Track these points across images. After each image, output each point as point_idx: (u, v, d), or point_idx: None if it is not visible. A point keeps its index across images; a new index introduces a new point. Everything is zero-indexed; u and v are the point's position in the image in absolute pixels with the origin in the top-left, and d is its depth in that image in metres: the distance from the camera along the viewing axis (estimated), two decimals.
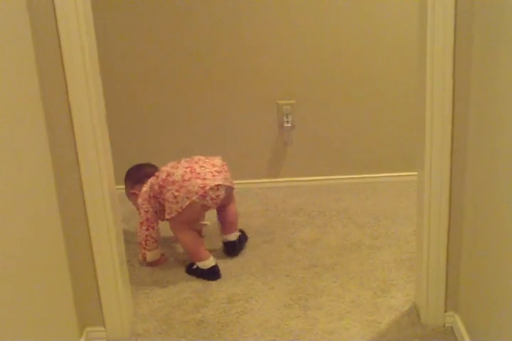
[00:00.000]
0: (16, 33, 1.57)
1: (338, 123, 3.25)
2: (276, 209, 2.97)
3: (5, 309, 1.37)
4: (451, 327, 1.94)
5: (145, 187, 2.45)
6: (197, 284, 2.31)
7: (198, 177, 2.28)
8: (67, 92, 1.72)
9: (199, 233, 2.51)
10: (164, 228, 2.46)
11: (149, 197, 2.40)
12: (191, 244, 2.36)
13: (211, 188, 2.28)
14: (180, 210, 2.28)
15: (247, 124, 3.26)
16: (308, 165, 3.29)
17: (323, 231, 2.70)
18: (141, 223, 2.43)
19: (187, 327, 2.03)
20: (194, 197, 2.26)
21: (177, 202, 2.27)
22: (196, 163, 2.36)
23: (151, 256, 2.44)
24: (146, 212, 2.42)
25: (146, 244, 2.42)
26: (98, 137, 1.77)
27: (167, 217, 2.33)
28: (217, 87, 3.20)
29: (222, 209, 2.51)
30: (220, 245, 2.56)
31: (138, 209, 2.49)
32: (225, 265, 2.40)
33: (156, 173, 2.41)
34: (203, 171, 2.31)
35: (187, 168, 2.32)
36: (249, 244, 2.60)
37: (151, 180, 2.42)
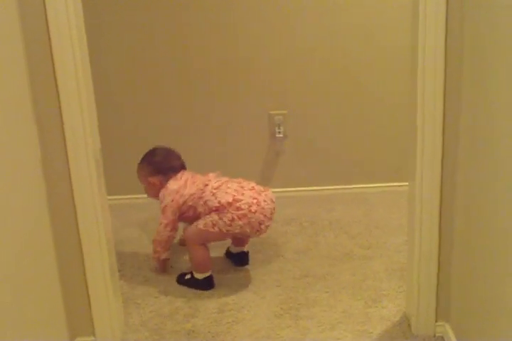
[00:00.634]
0: (6, 36, 1.57)
1: (329, 134, 3.26)
2: None
3: None
4: (442, 337, 1.95)
5: (176, 188, 2.42)
6: (188, 294, 2.30)
7: (261, 213, 2.29)
8: (59, 105, 1.72)
9: None
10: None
11: (183, 203, 2.39)
12: (203, 258, 2.36)
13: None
14: (225, 232, 2.29)
15: (239, 134, 3.27)
16: (300, 176, 3.30)
17: (314, 241, 2.70)
18: (167, 224, 2.41)
19: (178, 337, 2.02)
20: (247, 229, 2.28)
21: (230, 225, 2.26)
22: (259, 194, 2.34)
23: (166, 255, 2.45)
24: (174, 214, 2.41)
25: (165, 245, 2.44)
26: (90, 147, 1.77)
27: (202, 227, 2.29)
28: (209, 98, 3.20)
29: None
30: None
31: (160, 201, 2.45)
32: (217, 275, 2.39)
33: (205, 188, 2.37)
34: (267, 207, 2.32)
35: (254, 198, 2.30)
36: None
37: (195, 191, 2.39)
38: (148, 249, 2.69)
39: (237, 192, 2.32)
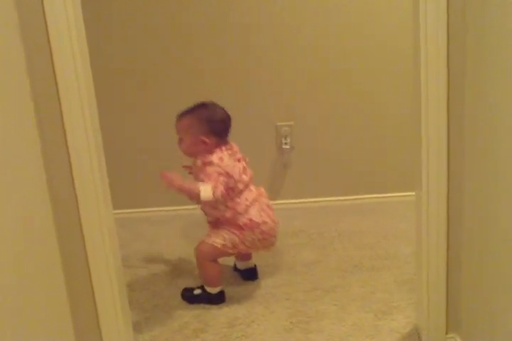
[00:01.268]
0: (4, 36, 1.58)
1: (337, 145, 3.26)
2: None
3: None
4: None
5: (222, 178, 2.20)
6: (198, 308, 2.30)
7: (275, 234, 2.33)
8: (61, 116, 1.72)
9: None
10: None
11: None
12: (217, 273, 2.34)
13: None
14: (241, 250, 2.30)
15: (246, 146, 3.25)
16: (308, 187, 3.30)
17: (323, 253, 2.70)
18: (216, 187, 2.15)
19: None
20: (261, 248, 2.32)
21: (249, 247, 2.30)
22: (272, 211, 2.34)
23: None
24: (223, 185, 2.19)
25: (194, 197, 2.20)
26: (94, 160, 1.77)
27: (220, 247, 2.25)
28: None
29: None
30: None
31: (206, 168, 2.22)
32: (226, 288, 2.39)
33: (241, 195, 2.27)
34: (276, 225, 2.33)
35: (273, 221, 2.31)
36: None
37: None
38: (157, 263, 2.70)
39: (264, 212, 2.29)
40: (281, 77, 3.18)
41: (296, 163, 3.27)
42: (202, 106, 2.33)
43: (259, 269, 2.54)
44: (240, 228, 2.25)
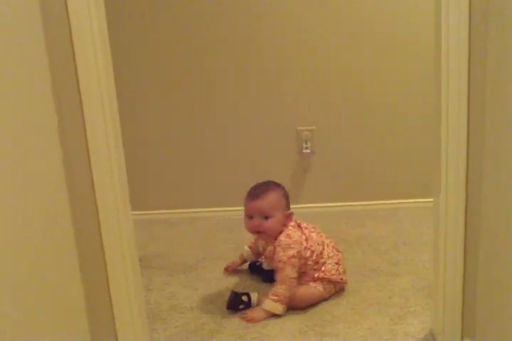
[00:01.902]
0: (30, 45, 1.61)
1: (357, 150, 3.26)
2: None
3: (17, 336, 1.38)
4: None
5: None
6: (214, 310, 2.30)
7: None
8: (82, 114, 1.74)
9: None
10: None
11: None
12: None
13: None
14: None
15: (267, 150, 3.29)
16: (328, 192, 3.30)
17: (342, 258, 2.69)
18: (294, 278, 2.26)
19: None
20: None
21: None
22: None
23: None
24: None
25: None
26: (114, 162, 1.79)
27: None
28: (235, 115, 3.24)
29: None
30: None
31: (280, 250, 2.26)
32: (244, 290, 2.39)
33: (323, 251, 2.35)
34: None
35: None
36: None
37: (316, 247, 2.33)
38: (175, 264, 2.71)
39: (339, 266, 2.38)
40: (303, 81, 3.19)
41: (316, 168, 3.28)
42: (272, 182, 2.36)
43: None
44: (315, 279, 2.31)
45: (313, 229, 2.38)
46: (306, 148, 3.23)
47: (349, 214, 3.22)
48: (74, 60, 1.70)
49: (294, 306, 2.24)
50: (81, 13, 1.67)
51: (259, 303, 2.27)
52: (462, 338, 1.92)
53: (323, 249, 2.34)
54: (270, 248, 2.31)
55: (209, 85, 3.20)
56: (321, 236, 2.38)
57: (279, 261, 2.23)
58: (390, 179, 3.28)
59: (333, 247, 2.40)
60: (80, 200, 1.81)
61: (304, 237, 2.30)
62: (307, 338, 2.08)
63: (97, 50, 1.70)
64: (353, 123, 3.24)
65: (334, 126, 3.24)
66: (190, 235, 3.11)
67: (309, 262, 2.30)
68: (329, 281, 2.31)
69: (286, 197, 2.32)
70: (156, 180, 3.31)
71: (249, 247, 2.55)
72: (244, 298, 2.30)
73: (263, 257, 2.37)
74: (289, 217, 2.29)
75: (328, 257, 2.33)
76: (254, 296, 2.31)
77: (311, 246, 2.30)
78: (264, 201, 2.25)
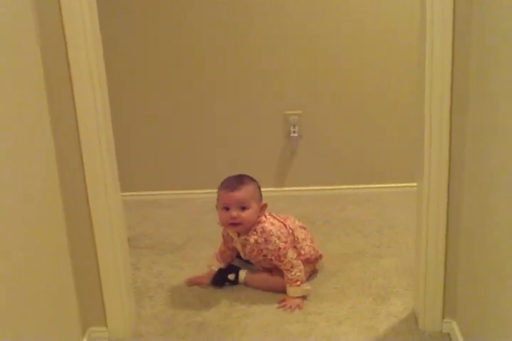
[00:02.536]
0: (23, 42, 1.63)
1: (344, 134, 3.29)
2: None
3: (8, 309, 1.41)
4: (449, 334, 1.96)
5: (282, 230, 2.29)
6: (200, 290, 2.34)
7: None
8: (73, 98, 1.76)
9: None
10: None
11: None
12: None
13: None
14: None
15: (255, 134, 3.31)
16: (314, 175, 3.34)
17: (327, 240, 2.73)
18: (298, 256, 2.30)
19: (188, 330, 2.06)
20: None
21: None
22: None
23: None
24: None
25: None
26: (103, 144, 1.81)
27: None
28: (224, 98, 3.26)
29: None
30: None
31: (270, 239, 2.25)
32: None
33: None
34: None
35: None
36: None
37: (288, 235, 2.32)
38: (163, 244, 2.75)
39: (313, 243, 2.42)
40: (290, 66, 3.21)
41: (303, 151, 3.31)
42: (245, 175, 2.34)
43: None
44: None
45: (284, 216, 2.40)
46: (294, 132, 3.26)
47: (334, 198, 3.26)
48: (66, 54, 1.72)
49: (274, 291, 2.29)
50: (73, 8, 1.70)
51: (246, 281, 2.32)
52: (443, 318, 1.97)
53: (297, 233, 2.37)
54: (253, 238, 2.26)
55: (197, 69, 3.21)
56: (292, 222, 2.41)
57: (278, 248, 2.22)
58: (376, 163, 3.32)
59: (300, 227, 2.42)
60: (70, 181, 1.83)
61: (281, 225, 2.33)
62: (292, 316, 2.12)
63: (88, 37, 1.73)
64: (340, 107, 3.26)
65: (321, 110, 3.27)
66: (178, 216, 3.15)
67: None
68: (308, 262, 2.35)
69: (260, 189, 2.32)
70: (145, 161, 3.33)
71: (220, 253, 2.44)
72: (231, 277, 2.34)
73: (242, 254, 2.36)
74: (263, 208, 2.29)
75: (303, 239, 2.35)
76: (242, 273, 2.35)
77: (291, 232, 2.34)
78: (242, 192, 2.23)
